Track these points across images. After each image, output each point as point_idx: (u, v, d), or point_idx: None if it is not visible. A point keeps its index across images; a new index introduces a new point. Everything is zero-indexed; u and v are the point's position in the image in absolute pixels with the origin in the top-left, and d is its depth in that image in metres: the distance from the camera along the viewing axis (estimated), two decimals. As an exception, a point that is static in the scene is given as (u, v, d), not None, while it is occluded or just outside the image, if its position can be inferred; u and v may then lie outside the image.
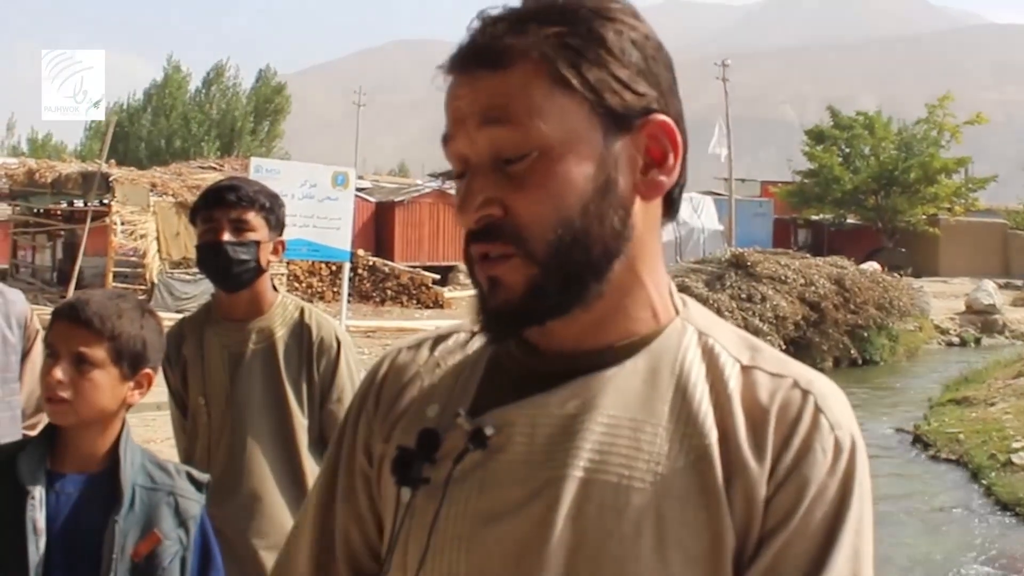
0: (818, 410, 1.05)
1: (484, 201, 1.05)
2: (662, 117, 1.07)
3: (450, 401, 1.14)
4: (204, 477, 2.22)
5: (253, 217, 2.88)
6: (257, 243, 2.89)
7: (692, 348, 1.10)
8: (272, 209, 2.93)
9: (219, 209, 2.87)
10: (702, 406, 1.06)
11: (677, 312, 1.13)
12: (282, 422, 2.90)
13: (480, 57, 1.05)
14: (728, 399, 1.06)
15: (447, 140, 1.09)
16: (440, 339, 1.24)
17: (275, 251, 2.96)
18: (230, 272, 2.88)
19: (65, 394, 2.02)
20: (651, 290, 1.11)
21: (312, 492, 1.28)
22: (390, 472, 1.11)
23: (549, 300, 1.04)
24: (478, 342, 1.19)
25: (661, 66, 1.09)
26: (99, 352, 2.05)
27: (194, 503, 2.16)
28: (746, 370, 1.08)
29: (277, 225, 2.96)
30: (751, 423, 1.04)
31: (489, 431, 1.07)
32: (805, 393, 1.06)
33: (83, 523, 2.04)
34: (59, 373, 2.02)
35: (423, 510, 1.09)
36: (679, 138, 1.08)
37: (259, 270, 2.91)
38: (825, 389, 1.08)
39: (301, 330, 2.94)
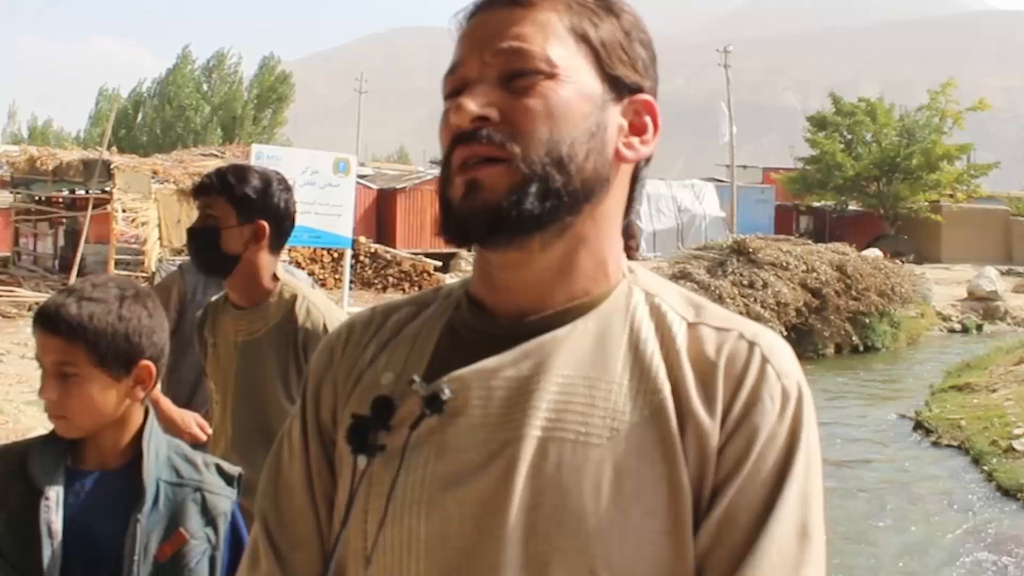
0: (764, 360, 1.09)
1: (486, 103, 1.08)
2: (650, 97, 1.16)
3: (405, 369, 1.16)
4: (235, 470, 2.06)
5: (217, 203, 2.86)
6: (216, 229, 2.85)
7: (640, 307, 1.14)
8: (240, 194, 2.85)
9: (197, 198, 2.93)
10: (654, 362, 1.09)
11: (624, 276, 1.17)
12: (269, 417, 2.80)
13: None
14: (677, 354, 1.09)
15: (454, 69, 1.13)
16: (392, 310, 1.26)
17: (255, 237, 2.87)
18: (199, 259, 2.96)
19: (60, 411, 1.91)
20: (607, 250, 1.15)
21: (286, 447, 1.26)
22: (345, 440, 1.12)
23: (526, 208, 1.07)
24: (430, 312, 1.22)
25: (655, 69, 1.18)
26: (79, 361, 1.89)
27: (223, 499, 2.00)
28: (692, 326, 1.12)
29: (253, 210, 2.86)
30: (700, 376, 1.08)
31: (446, 394, 1.08)
32: (751, 344, 1.10)
33: (103, 523, 1.90)
34: (48, 391, 1.90)
35: (380, 477, 1.10)
36: (659, 118, 1.16)
37: (227, 257, 2.86)
38: (770, 340, 1.12)
39: (290, 320, 2.86)
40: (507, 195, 1.06)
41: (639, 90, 1.15)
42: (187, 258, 3.59)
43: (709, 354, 1.09)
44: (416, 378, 1.10)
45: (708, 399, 1.07)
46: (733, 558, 1.04)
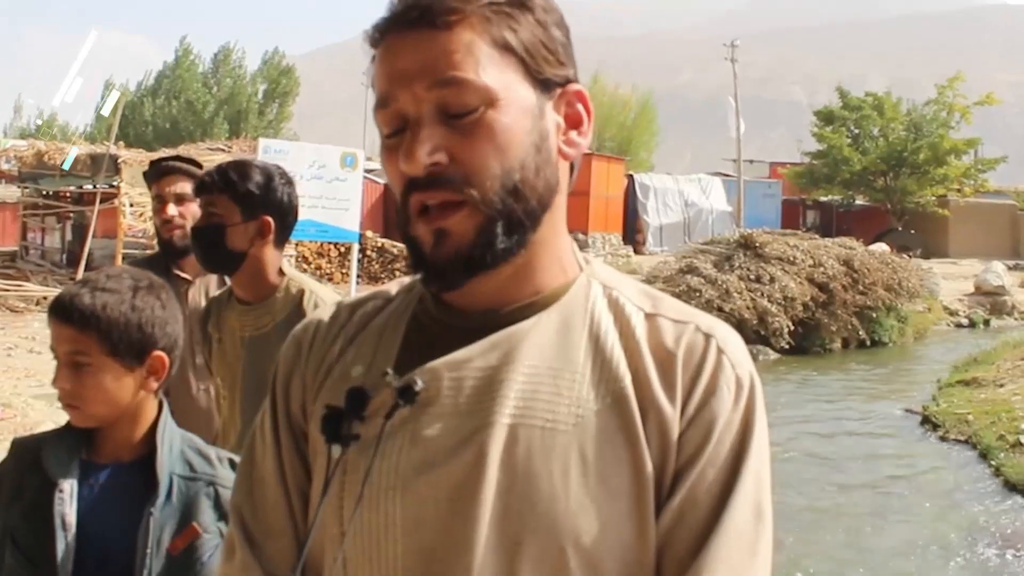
0: (720, 351, 1.15)
1: (433, 148, 1.09)
2: (579, 87, 1.19)
3: (374, 361, 1.20)
4: None
5: (220, 200, 2.84)
6: (221, 227, 2.83)
7: (599, 300, 1.18)
8: (243, 190, 2.82)
9: (199, 195, 2.92)
10: (614, 352, 1.14)
11: (581, 269, 1.21)
12: None
13: (424, 17, 1.10)
14: (637, 344, 1.15)
15: (385, 102, 1.12)
16: (358, 305, 1.29)
17: (261, 233, 2.85)
18: (204, 257, 2.94)
19: (73, 401, 1.93)
20: (561, 245, 1.20)
21: (256, 445, 1.29)
22: (319, 431, 1.15)
23: (497, 246, 1.11)
24: (395, 306, 1.25)
25: (571, 47, 1.19)
26: (91, 351, 1.91)
27: None
28: (650, 317, 1.17)
29: (257, 206, 2.83)
30: (660, 365, 1.14)
31: (419, 385, 1.12)
32: (707, 336, 1.16)
33: (117, 516, 1.92)
34: (61, 380, 1.92)
35: (356, 465, 1.14)
36: (591, 106, 1.19)
37: (233, 254, 2.84)
38: (725, 332, 1.18)
39: (298, 315, 2.80)
40: (476, 238, 1.10)
41: (569, 81, 1.17)
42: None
43: (668, 345, 1.14)
44: (389, 370, 1.14)
45: (668, 387, 1.12)
46: (695, 537, 1.10)
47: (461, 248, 1.10)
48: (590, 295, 1.18)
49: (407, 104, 1.10)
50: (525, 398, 1.11)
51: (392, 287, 1.29)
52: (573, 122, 1.18)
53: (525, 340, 1.14)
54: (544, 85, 1.14)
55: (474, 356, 1.13)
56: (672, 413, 1.11)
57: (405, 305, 1.24)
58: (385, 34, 1.13)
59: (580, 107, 1.18)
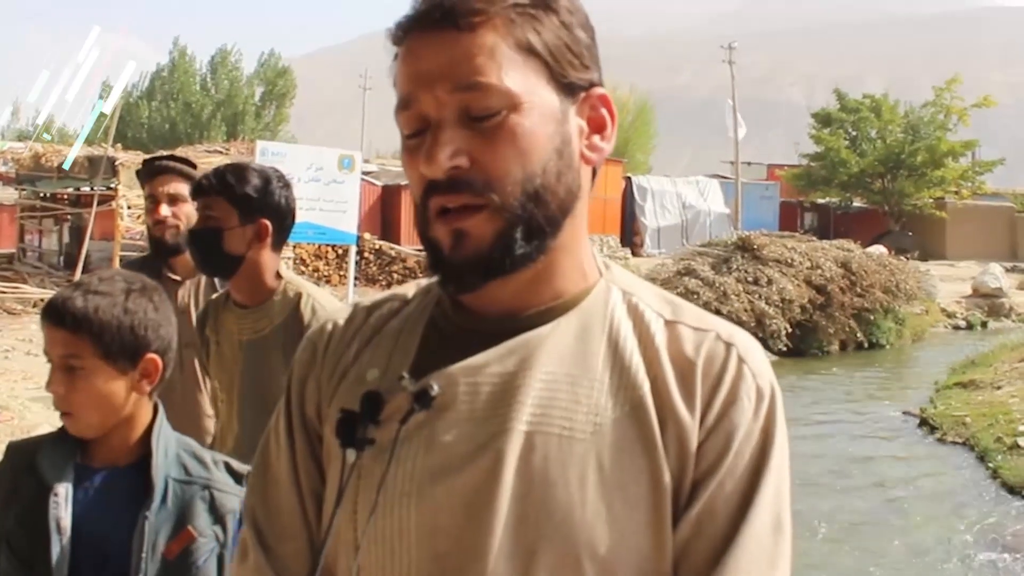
0: (741, 360, 1.13)
1: (454, 152, 1.07)
2: (603, 90, 1.16)
3: (390, 365, 1.18)
4: (244, 468, 2.01)
5: (217, 203, 2.83)
6: (219, 230, 2.82)
7: (619, 306, 1.17)
8: (240, 194, 2.81)
9: (195, 199, 2.91)
10: (633, 359, 1.13)
11: (600, 274, 1.20)
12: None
13: (448, 17, 1.08)
14: (656, 352, 1.13)
15: (406, 103, 1.11)
16: (374, 307, 1.27)
17: (258, 236, 2.84)
18: (201, 261, 2.93)
19: (67, 407, 1.92)
20: (582, 251, 1.18)
21: (271, 446, 1.27)
22: (334, 435, 1.14)
23: (515, 251, 1.09)
24: (412, 309, 1.24)
25: (596, 47, 1.17)
26: (84, 354, 1.90)
27: (232, 496, 1.98)
28: (670, 324, 1.15)
29: (254, 209, 2.83)
30: (679, 374, 1.12)
31: (435, 390, 1.10)
32: (728, 345, 1.14)
33: (112, 519, 1.91)
34: (55, 385, 1.91)
35: (370, 470, 1.12)
36: (615, 110, 1.17)
37: (231, 258, 2.83)
38: (746, 341, 1.17)
39: (296, 318, 2.82)
40: (495, 242, 1.09)
41: (593, 84, 1.15)
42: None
43: (688, 353, 1.13)
44: (405, 375, 1.12)
45: (688, 397, 1.11)
46: (713, 549, 1.09)
47: (480, 250, 1.09)
48: (609, 301, 1.17)
49: (429, 106, 1.09)
50: (542, 405, 1.10)
51: (409, 289, 1.28)
52: (596, 126, 1.16)
53: (543, 346, 1.12)
54: (568, 89, 1.12)
55: (491, 361, 1.12)
56: (691, 422, 1.10)
57: (422, 308, 1.23)
58: (408, 33, 1.11)
59: (604, 111, 1.16)
